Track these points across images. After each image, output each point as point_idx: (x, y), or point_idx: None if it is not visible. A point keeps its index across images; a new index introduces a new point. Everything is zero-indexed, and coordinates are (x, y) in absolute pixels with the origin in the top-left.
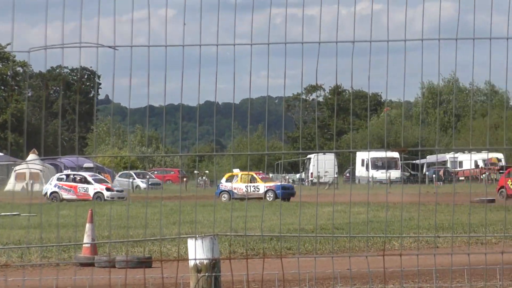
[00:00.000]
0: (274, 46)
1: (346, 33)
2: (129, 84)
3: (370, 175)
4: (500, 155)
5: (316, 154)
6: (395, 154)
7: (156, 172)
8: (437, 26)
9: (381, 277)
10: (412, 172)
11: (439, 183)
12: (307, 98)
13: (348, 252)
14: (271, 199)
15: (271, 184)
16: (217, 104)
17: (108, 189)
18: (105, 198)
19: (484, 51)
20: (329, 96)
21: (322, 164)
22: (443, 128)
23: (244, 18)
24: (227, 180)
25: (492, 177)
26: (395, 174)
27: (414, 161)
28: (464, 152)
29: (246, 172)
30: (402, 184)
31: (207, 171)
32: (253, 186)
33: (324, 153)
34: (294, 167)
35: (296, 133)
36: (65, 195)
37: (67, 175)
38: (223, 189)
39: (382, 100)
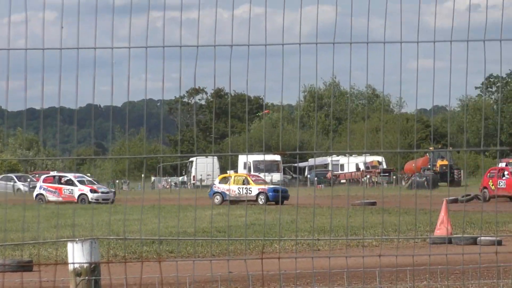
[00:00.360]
0: (155, 49)
1: (227, 37)
2: (6, 87)
3: None
4: (381, 158)
5: (197, 157)
6: (277, 157)
7: (37, 175)
8: (318, 30)
9: (266, 280)
10: (294, 175)
11: (320, 185)
12: (189, 101)
13: (228, 255)
14: (263, 201)
15: (264, 186)
16: (98, 107)
17: (93, 191)
18: (90, 200)
19: (364, 55)
20: (211, 99)
21: (204, 167)
22: (325, 132)
23: (125, 21)
24: (220, 182)
25: (373, 180)
26: (276, 177)
27: (295, 164)
28: (345, 155)
29: (240, 174)
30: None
31: (88, 174)
32: (245, 188)
33: (207, 156)
34: (176, 170)
35: (177, 136)
36: (50, 197)
37: (53, 177)
38: (216, 190)
39: (263, 103)
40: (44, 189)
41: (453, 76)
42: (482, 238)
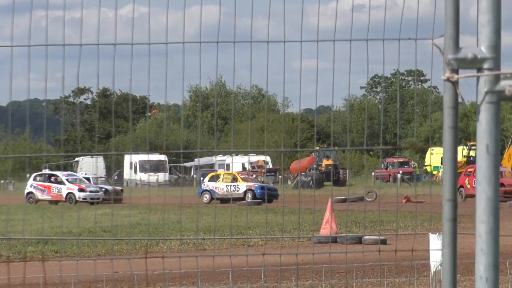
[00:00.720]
0: (39, 48)
1: (112, 36)
2: None
3: (138, 178)
4: (268, 158)
5: (83, 156)
6: (163, 157)
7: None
8: (205, 29)
9: (150, 280)
10: (180, 175)
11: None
12: (75, 100)
13: (113, 254)
14: (250, 199)
15: (251, 184)
16: None
17: (81, 190)
18: (77, 199)
19: (249, 55)
20: (96, 99)
21: (89, 166)
22: (211, 131)
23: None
24: (209, 180)
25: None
26: (163, 176)
27: (182, 164)
28: (231, 155)
29: (229, 172)
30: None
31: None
32: (233, 186)
33: (92, 155)
34: (62, 170)
35: (64, 136)
36: (40, 195)
37: (43, 175)
38: (205, 188)
39: (149, 102)
40: (34, 187)
41: (338, 76)
42: (366, 237)
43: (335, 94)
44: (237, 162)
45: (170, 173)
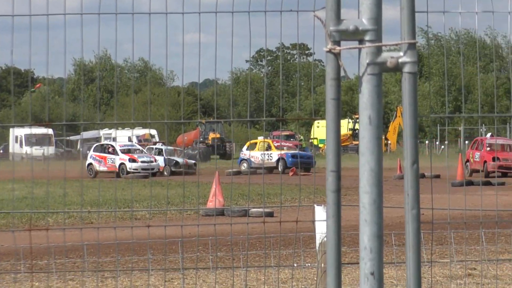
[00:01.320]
0: None
1: None
2: None
3: (24, 152)
4: (154, 131)
5: None
6: (49, 131)
7: None
8: (87, 2)
9: (34, 253)
10: (66, 149)
11: None
12: None
13: None
14: (281, 167)
15: (283, 152)
16: None
17: (132, 160)
18: (128, 170)
19: (136, 28)
20: None
21: None
22: (97, 105)
23: None
24: (247, 148)
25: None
26: (49, 150)
27: (68, 138)
28: (118, 128)
29: (265, 140)
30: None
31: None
32: (267, 154)
33: None
34: None
35: None
36: (97, 166)
37: (101, 145)
38: (242, 157)
39: (34, 76)
40: (93, 158)
41: (223, 50)
42: (253, 210)
43: (220, 67)
44: (123, 136)
45: (56, 147)
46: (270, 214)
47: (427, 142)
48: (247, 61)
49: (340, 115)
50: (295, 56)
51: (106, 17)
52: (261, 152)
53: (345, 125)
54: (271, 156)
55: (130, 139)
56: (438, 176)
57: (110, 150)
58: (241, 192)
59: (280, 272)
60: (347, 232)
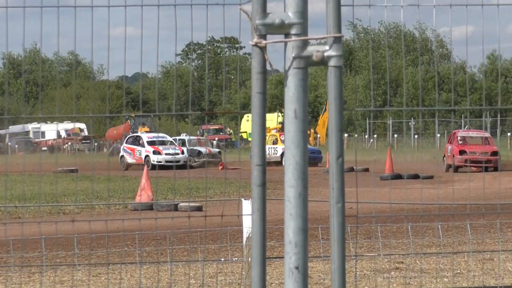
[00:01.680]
0: None
1: None
2: None
3: None
4: (83, 125)
5: None
6: None
7: None
8: None
9: None
10: None
11: (21, 153)
12: None
13: None
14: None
15: None
16: None
17: (156, 152)
18: (152, 162)
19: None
20: None
21: None
22: (25, 99)
23: None
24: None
25: (74, 147)
26: None
27: None
28: (46, 122)
29: (273, 133)
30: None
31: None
32: (272, 148)
33: None
34: None
35: None
36: (128, 159)
37: (133, 136)
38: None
39: None
40: (124, 150)
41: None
42: (182, 204)
43: (150, 61)
44: (52, 130)
45: None
46: (199, 209)
47: (356, 135)
48: (177, 54)
49: (266, 109)
50: (225, 50)
51: (33, 10)
52: (268, 146)
53: (275, 119)
54: (276, 150)
55: (58, 133)
56: (366, 170)
57: (140, 142)
58: (170, 186)
59: (207, 267)
60: (275, 226)
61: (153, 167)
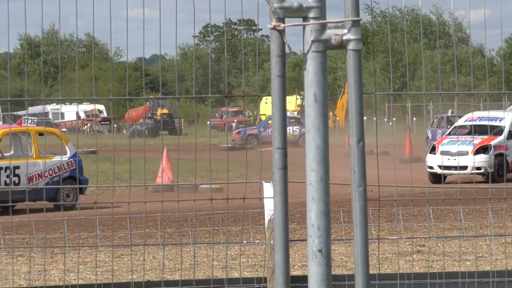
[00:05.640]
0: None
1: None
2: None
3: None
4: (102, 107)
5: None
6: None
7: None
8: None
9: None
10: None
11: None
12: None
13: None
14: None
15: None
16: None
17: None
18: None
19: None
20: None
21: None
22: (44, 80)
23: None
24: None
25: (94, 128)
26: None
27: (16, 113)
28: (65, 104)
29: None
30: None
31: None
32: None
33: None
34: None
35: None
36: None
37: None
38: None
39: None
40: None
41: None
42: (202, 186)
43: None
44: (71, 111)
45: (4, 122)
46: (219, 191)
47: (374, 119)
48: (194, 36)
49: (286, 92)
50: (242, 32)
51: None
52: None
53: (294, 102)
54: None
55: (78, 115)
56: (386, 153)
57: None
58: (190, 168)
59: (230, 249)
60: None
61: None
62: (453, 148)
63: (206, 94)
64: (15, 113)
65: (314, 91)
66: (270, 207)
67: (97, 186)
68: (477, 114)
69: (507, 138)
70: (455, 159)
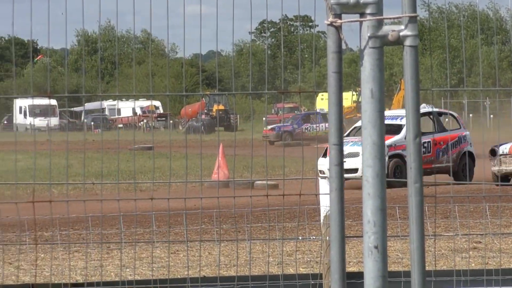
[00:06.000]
0: None
1: None
2: None
3: (28, 123)
4: (158, 103)
5: None
6: (53, 102)
7: None
8: None
9: (39, 224)
10: (70, 120)
11: (97, 130)
12: None
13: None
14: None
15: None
16: None
17: None
18: None
19: None
20: None
21: None
22: (101, 76)
23: None
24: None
25: (150, 124)
26: (53, 121)
27: (72, 109)
28: (122, 100)
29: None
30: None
31: None
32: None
33: None
34: None
35: None
36: None
37: None
38: None
39: (38, 47)
40: None
41: (225, 22)
42: (258, 182)
43: (223, 39)
44: (127, 107)
45: (60, 118)
46: (275, 187)
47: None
48: (250, 32)
49: (342, 88)
50: (298, 28)
51: None
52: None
53: (350, 98)
54: None
55: (134, 111)
56: None
57: None
58: (246, 165)
59: (285, 245)
60: (351, 205)
61: None
62: (345, 150)
63: (262, 90)
64: (72, 109)
65: (370, 87)
66: (325, 203)
67: (153, 182)
68: None
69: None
70: (345, 161)
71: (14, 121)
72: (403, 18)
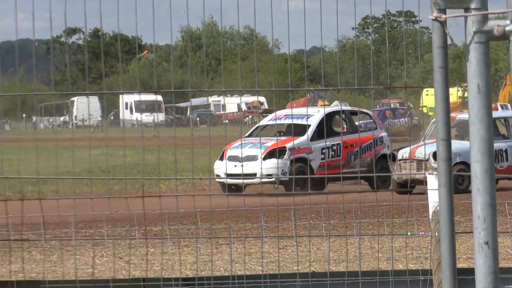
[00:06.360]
0: None
1: None
2: None
3: (134, 118)
4: (263, 99)
5: (79, 97)
6: (159, 98)
7: None
8: None
9: (148, 219)
10: (176, 115)
11: (203, 125)
12: (67, 40)
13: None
14: None
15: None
16: None
17: None
18: None
19: None
20: (89, 39)
21: (85, 107)
22: (204, 72)
23: None
24: None
25: (255, 120)
26: (159, 117)
27: (178, 104)
28: (226, 95)
29: None
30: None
31: None
32: None
33: (87, 95)
34: (58, 110)
35: (58, 76)
36: None
37: None
38: None
39: (142, 43)
40: None
41: (328, 17)
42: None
43: (326, 35)
44: (232, 103)
45: (166, 114)
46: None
47: None
48: (353, 28)
49: (448, 84)
50: (402, 23)
51: None
52: None
53: (455, 93)
54: None
55: (239, 106)
56: None
57: None
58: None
59: (394, 241)
60: (460, 201)
61: None
62: (243, 152)
63: (366, 86)
64: (178, 105)
65: (477, 83)
66: (434, 199)
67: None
68: (283, 112)
69: (312, 139)
70: (242, 165)
71: (120, 117)
72: (508, 12)
